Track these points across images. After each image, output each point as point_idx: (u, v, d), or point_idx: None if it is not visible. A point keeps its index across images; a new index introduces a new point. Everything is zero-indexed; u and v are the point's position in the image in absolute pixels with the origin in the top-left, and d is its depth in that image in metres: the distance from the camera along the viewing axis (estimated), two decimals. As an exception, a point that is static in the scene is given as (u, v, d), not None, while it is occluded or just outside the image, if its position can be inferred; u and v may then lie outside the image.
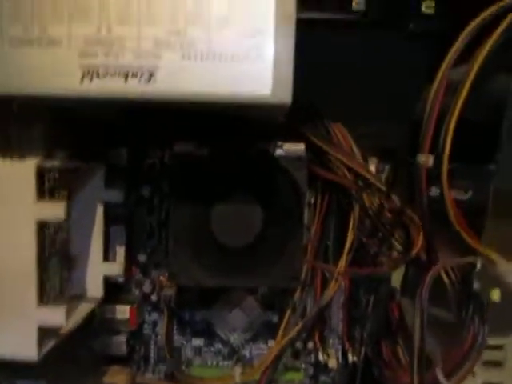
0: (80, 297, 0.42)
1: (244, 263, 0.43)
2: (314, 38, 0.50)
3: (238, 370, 0.50)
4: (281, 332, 0.48)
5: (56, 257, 0.35)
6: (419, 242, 0.40)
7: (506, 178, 0.46)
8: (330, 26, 0.48)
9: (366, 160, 0.49)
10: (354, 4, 0.47)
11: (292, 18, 0.30)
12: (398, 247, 0.45)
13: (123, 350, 0.51)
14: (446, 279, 0.40)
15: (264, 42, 0.31)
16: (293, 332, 0.47)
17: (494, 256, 0.35)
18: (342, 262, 0.44)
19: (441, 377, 0.38)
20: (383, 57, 0.50)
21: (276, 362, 0.49)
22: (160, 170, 0.49)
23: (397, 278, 0.51)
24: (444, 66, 0.37)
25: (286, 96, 0.31)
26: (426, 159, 0.34)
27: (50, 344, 0.33)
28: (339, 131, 0.48)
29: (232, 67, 0.31)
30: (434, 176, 0.35)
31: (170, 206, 0.44)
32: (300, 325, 0.47)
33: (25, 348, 0.31)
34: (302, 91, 0.46)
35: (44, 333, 0.32)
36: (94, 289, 0.43)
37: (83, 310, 0.40)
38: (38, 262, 0.30)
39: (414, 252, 0.40)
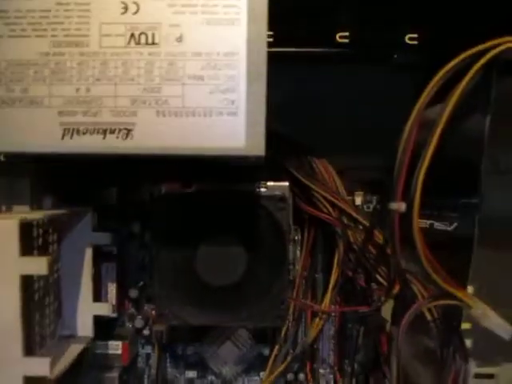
0: (71, 337, 0.43)
1: (229, 302, 0.44)
2: (298, 72, 0.51)
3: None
4: (270, 364, 0.49)
5: (44, 302, 0.36)
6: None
7: (489, 210, 0.47)
8: (314, 59, 0.49)
9: (352, 192, 0.50)
10: (337, 37, 0.48)
11: (263, 75, 0.32)
12: (383, 282, 0.45)
13: (116, 384, 0.51)
14: (428, 316, 0.40)
15: (237, 98, 0.32)
16: (281, 366, 0.48)
17: (469, 299, 0.35)
18: (327, 300, 0.45)
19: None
20: (369, 89, 0.51)
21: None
22: (149, 206, 0.50)
23: (387, 309, 0.51)
24: (418, 104, 0.38)
25: (259, 148, 0.32)
26: (398, 206, 0.35)
27: (36, 391, 0.34)
28: (323, 167, 0.49)
29: (205, 122, 0.32)
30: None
31: (154, 248, 0.45)
32: (288, 359, 0.48)
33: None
34: (286, 126, 0.48)
35: (31, 381, 0.33)
36: (85, 329, 0.44)
37: (74, 350, 0.41)
38: (23, 315, 0.31)
39: (394, 290, 0.41)
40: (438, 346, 0.40)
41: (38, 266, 0.30)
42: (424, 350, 0.45)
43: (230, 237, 0.43)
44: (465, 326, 0.49)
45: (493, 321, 0.33)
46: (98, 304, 0.44)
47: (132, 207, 0.51)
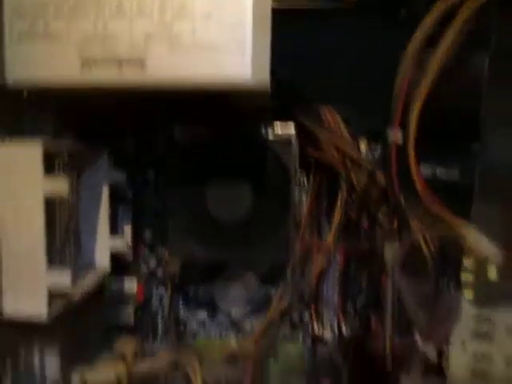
0: (89, 268, 0.47)
1: (237, 241, 0.47)
2: (307, 24, 0.53)
3: (233, 339, 0.53)
4: (274, 303, 0.52)
5: (64, 230, 0.39)
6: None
7: (490, 157, 0.49)
8: (321, 14, 0.50)
9: (356, 140, 0.52)
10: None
11: (268, 14, 0.34)
12: (385, 224, 0.48)
13: (131, 320, 0.55)
14: (424, 248, 0.42)
15: (243, 35, 0.34)
16: (284, 303, 0.50)
17: (462, 226, 0.37)
18: (330, 239, 0.47)
19: (419, 341, 0.41)
20: (376, 42, 0.53)
21: (269, 332, 0.52)
22: (163, 152, 0.52)
23: (390, 251, 0.53)
24: (412, 41, 0.39)
25: (264, 81, 0.35)
26: (395, 134, 0.36)
27: (60, 307, 0.37)
28: (329, 114, 0.51)
29: (214, 57, 0.34)
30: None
31: (168, 188, 0.47)
32: (291, 296, 0.51)
33: (36, 308, 0.35)
34: (294, 76, 0.50)
35: (54, 296, 0.36)
36: (102, 261, 0.47)
37: (92, 278, 0.44)
38: (47, 234, 0.34)
39: (396, 232, 0.43)
40: (434, 278, 0.42)
41: (59, 186, 0.33)
42: (420, 287, 0.48)
43: (239, 178, 0.46)
44: (465, 276, 0.52)
45: (482, 242, 0.35)
46: (114, 238, 0.47)
47: (147, 155, 0.53)
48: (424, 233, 0.40)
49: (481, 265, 0.49)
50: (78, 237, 0.44)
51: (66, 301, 0.37)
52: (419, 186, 0.37)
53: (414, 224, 0.41)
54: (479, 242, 0.35)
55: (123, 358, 0.50)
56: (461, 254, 0.43)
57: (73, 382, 0.46)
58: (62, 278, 0.35)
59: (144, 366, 0.50)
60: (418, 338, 0.43)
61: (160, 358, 0.50)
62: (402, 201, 0.41)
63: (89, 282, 0.44)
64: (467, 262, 0.48)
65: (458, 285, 0.42)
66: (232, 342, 0.53)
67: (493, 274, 0.52)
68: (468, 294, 0.50)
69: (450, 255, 0.42)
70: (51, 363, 0.42)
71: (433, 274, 0.43)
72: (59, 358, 0.43)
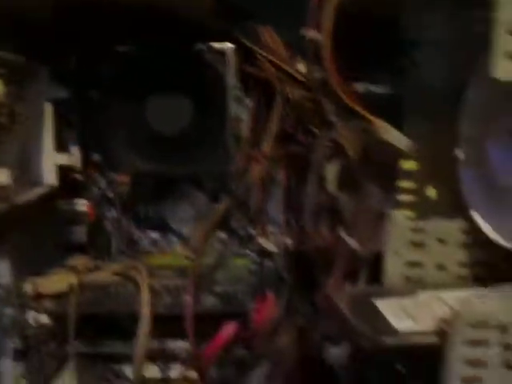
0: (36, 183, 0.48)
1: (179, 152, 0.49)
2: None
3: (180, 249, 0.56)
4: (217, 212, 0.55)
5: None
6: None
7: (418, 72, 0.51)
8: None
9: (294, 59, 0.54)
10: None
11: None
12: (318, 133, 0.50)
13: (84, 239, 0.57)
14: (350, 152, 0.45)
15: None
16: (219, 212, 0.53)
17: (379, 123, 0.40)
18: (267, 148, 0.50)
19: (343, 235, 0.45)
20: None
21: (208, 241, 0.55)
22: (105, 73, 0.53)
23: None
24: None
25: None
26: (312, 34, 0.38)
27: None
28: (268, 34, 0.52)
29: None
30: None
31: (110, 104, 0.49)
32: (225, 204, 0.53)
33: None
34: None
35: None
36: (49, 176, 0.49)
37: (38, 191, 0.46)
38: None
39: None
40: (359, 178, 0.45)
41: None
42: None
43: (176, 90, 0.48)
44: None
45: (393, 134, 0.38)
46: (60, 154, 0.49)
47: (89, 72, 0.54)
48: (346, 132, 0.42)
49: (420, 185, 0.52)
50: (24, 154, 0.45)
51: (7, 201, 0.39)
52: (334, 79, 0.39)
53: (336, 121, 0.43)
54: (392, 134, 0.38)
55: (76, 271, 0.53)
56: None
57: (25, 290, 0.48)
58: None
59: (95, 276, 0.52)
60: (344, 233, 0.46)
61: (110, 269, 0.53)
62: (326, 104, 0.43)
63: (35, 193, 0.46)
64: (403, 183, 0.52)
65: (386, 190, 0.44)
66: (178, 252, 0.56)
67: (432, 192, 0.55)
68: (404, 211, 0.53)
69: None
70: (2, 268, 0.44)
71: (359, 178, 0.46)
72: (10, 265, 0.45)
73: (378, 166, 0.47)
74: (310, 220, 0.56)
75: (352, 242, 0.45)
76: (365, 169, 0.47)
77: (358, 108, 0.39)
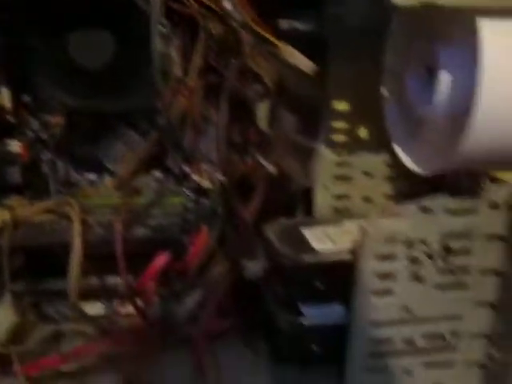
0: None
1: (104, 87, 0.50)
2: None
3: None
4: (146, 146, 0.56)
5: None
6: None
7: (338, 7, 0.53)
8: None
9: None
10: None
11: None
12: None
13: (19, 180, 0.58)
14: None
15: None
16: (147, 147, 0.55)
17: (282, 45, 0.41)
18: (191, 81, 0.51)
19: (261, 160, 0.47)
20: None
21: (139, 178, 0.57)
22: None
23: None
24: None
25: None
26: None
27: None
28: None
29: None
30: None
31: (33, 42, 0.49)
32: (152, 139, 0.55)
33: None
34: None
35: None
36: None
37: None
38: None
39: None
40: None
41: None
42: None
43: (97, 23, 0.48)
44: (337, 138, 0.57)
45: (297, 57, 0.40)
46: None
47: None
48: (260, 60, 0.44)
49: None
50: None
51: None
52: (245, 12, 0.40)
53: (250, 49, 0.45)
54: (296, 57, 0.40)
55: (10, 208, 0.54)
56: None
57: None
58: None
59: (29, 213, 0.53)
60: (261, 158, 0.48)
61: (44, 204, 0.54)
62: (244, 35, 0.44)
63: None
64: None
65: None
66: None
67: (363, 132, 0.58)
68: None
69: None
70: None
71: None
72: None
73: (296, 98, 0.49)
74: (224, 151, 0.57)
75: (270, 167, 0.47)
76: (284, 100, 0.49)
77: (267, 35, 0.41)
